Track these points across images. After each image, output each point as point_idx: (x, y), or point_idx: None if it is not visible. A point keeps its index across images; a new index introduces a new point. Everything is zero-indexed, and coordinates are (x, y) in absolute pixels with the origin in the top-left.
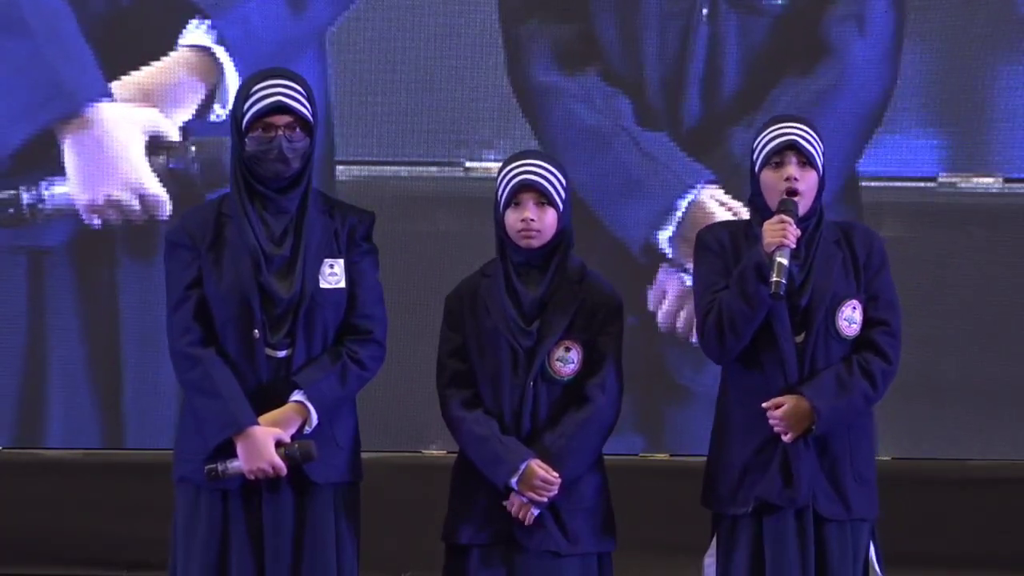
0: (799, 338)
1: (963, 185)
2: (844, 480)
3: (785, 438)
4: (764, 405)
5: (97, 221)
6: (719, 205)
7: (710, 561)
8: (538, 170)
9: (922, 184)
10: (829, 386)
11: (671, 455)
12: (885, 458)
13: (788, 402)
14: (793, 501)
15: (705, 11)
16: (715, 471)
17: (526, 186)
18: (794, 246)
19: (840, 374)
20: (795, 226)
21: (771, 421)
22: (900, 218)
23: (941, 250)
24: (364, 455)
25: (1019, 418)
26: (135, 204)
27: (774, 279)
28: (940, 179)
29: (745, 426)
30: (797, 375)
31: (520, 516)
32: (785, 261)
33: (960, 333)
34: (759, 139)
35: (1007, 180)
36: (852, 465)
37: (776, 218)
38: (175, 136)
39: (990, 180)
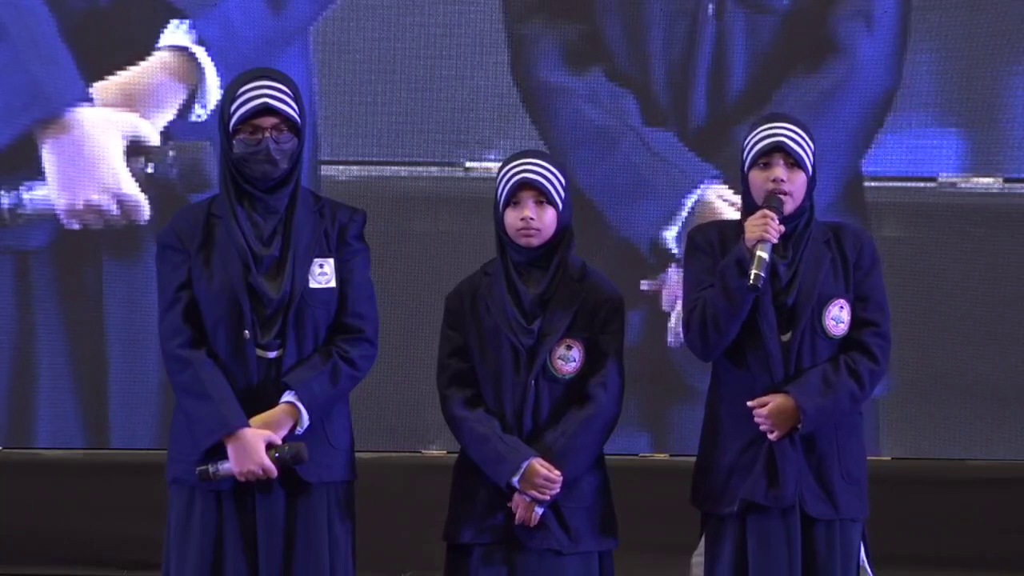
0: (785, 337)
1: (963, 185)
2: (832, 480)
3: (771, 437)
4: (749, 404)
5: (76, 225)
6: (725, 204)
7: (698, 560)
8: (537, 169)
9: (922, 184)
10: (815, 385)
11: (671, 455)
12: (885, 458)
13: (773, 400)
14: (779, 501)
15: (711, 9)
16: (703, 470)
17: (525, 185)
18: (776, 241)
19: (826, 373)
20: (778, 222)
21: (756, 420)
22: (900, 218)
23: (941, 250)
24: (364, 455)
25: (1019, 418)
26: (113, 208)
27: (753, 272)
28: (940, 179)
29: (732, 425)
30: (783, 374)
31: (526, 518)
32: (765, 255)
33: (960, 333)
34: (748, 139)
35: (1007, 180)
36: (840, 464)
37: (759, 213)
38: (155, 140)
39: (990, 180)
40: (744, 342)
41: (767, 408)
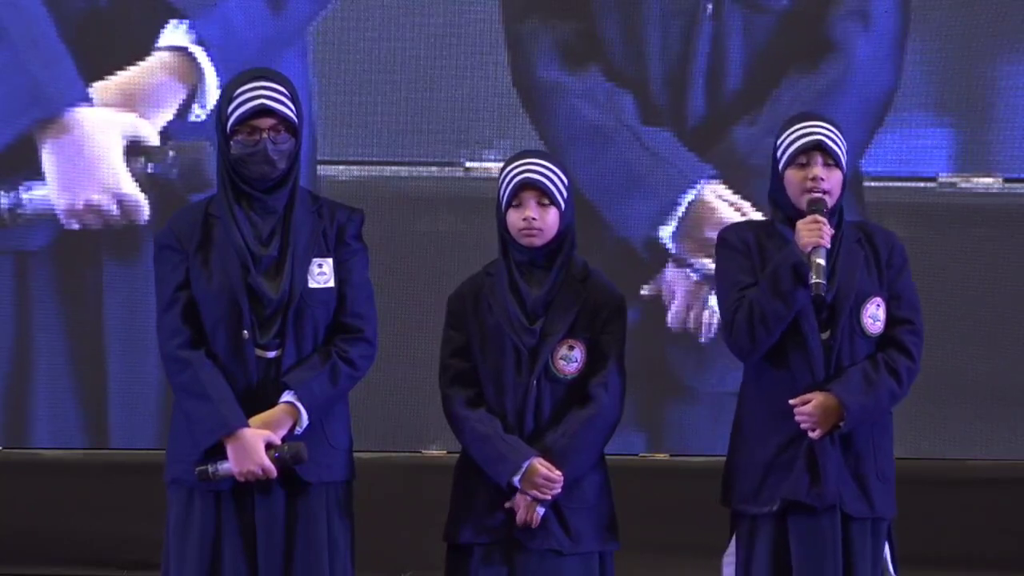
0: (825, 335)
1: (963, 185)
2: (868, 478)
3: (813, 435)
4: (792, 402)
5: (76, 225)
6: (721, 201)
7: (729, 560)
8: (539, 169)
9: (922, 184)
10: (857, 383)
11: (672, 455)
12: None
13: (816, 399)
14: (821, 499)
15: (709, 8)
16: (736, 469)
17: (527, 185)
18: (829, 246)
19: (867, 371)
20: (828, 226)
21: (799, 418)
22: (900, 218)
23: (941, 250)
24: (364, 455)
25: (1019, 418)
26: (113, 209)
27: (815, 280)
28: (940, 179)
29: (768, 424)
30: (824, 372)
31: (528, 519)
32: (823, 261)
33: (960, 333)
34: (784, 137)
35: (1007, 180)
36: (876, 463)
37: (810, 218)
38: (154, 140)
39: (990, 180)
40: (785, 341)
41: (810, 406)
